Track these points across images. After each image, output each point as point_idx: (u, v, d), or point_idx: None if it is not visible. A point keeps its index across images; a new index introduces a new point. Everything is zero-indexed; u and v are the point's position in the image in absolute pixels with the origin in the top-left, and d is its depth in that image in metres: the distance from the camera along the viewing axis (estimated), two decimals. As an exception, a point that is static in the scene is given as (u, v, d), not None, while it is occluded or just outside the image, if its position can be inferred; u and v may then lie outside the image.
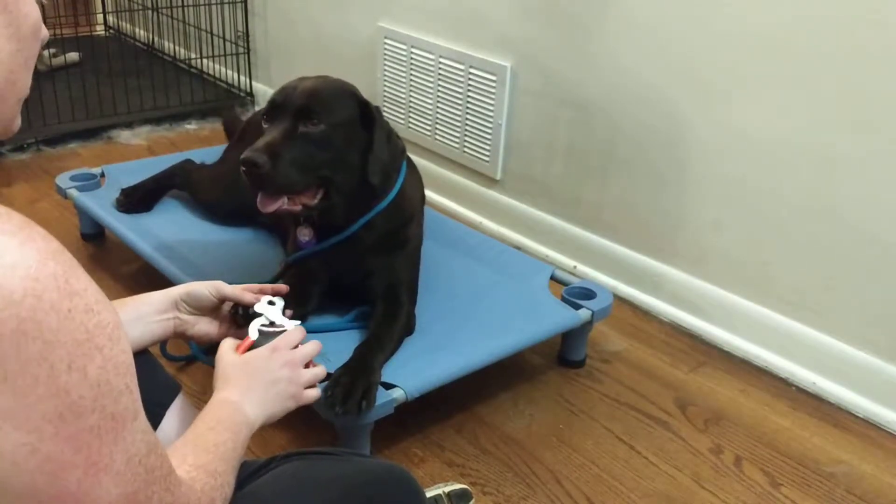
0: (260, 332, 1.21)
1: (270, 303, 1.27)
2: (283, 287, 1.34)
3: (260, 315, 1.24)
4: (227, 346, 1.15)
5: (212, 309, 1.25)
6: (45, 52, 3.59)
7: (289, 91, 1.57)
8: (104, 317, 0.65)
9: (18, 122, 0.77)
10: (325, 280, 1.72)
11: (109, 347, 0.65)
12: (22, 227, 0.62)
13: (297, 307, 1.54)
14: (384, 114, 1.69)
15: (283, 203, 1.52)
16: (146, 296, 1.20)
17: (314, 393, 1.18)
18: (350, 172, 1.57)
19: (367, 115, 1.59)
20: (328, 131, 1.53)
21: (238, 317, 1.26)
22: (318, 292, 1.70)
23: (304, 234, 1.67)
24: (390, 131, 1.66)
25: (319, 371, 1.19)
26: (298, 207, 1.55)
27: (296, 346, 1.18)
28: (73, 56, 3.70)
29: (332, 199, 1.58)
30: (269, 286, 1.32)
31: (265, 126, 1.56)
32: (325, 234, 1.67)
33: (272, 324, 1.23)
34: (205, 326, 1.24)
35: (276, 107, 1.55)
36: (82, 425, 0.63)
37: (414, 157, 1.89)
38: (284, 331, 1.22)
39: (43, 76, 3.27)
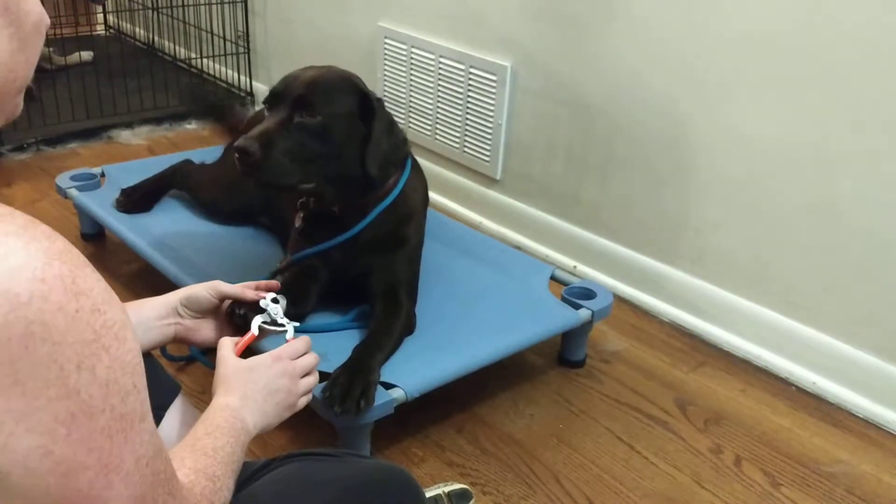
0: (261, 328, 1.22)
1: (275, 300, 1.28)
2: (274, 283, 1.34)
3: (264, 311, 1.25)
4: (228, 346, 1.15)
5: (213, 310, 1.25)
6: (48, 50, 3.60)
7: (290, 80, 1.57)
8: (110, 316, 0.64)
9: (20, 107, 0.76)
10: (324, 279, 1.71)
11: (116, 347, 0.64)
12: (26, 227, 0.62)
13: (296, 307, 1.54)
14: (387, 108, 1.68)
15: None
16: (147, 301, 1.20)
17: (306, 401, 1.18)
18: (347, 165, 1.56)
19: (366, 107, 1.57)
20: (324, 122, 1.52)
21: (237, 317, 1.25)
22: (316, 291, 1.70)
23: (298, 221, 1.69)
24: (391, 122, 1.64)
25: (314, 381, 1.19)
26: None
27: (297, 357, 1.18)
28: (87, 54, 3.71)
29: (325, 192, 1.59)
30: (263, 283, 1.32)
31: (266, 115, 1.57)
32: (329, 232, 1.67)
33: (273, 322, 1.24)
34: (207, 332, 1.24)
35: (276, 96, 1.56)
36: (94, 426, 0.63)
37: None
38: (285, 330, 1.23)
39: (43, 75, 3.27)
